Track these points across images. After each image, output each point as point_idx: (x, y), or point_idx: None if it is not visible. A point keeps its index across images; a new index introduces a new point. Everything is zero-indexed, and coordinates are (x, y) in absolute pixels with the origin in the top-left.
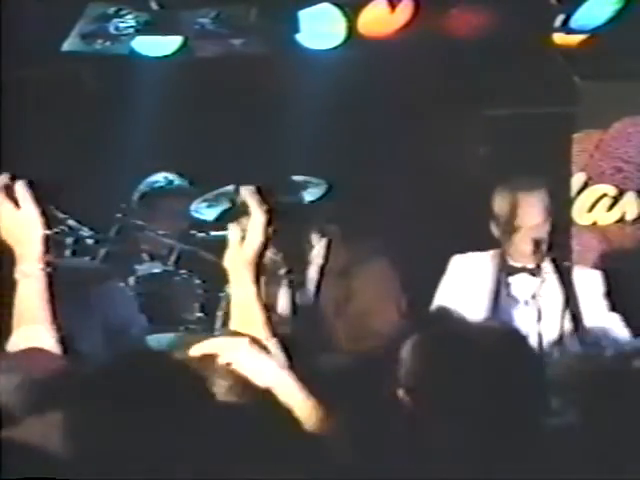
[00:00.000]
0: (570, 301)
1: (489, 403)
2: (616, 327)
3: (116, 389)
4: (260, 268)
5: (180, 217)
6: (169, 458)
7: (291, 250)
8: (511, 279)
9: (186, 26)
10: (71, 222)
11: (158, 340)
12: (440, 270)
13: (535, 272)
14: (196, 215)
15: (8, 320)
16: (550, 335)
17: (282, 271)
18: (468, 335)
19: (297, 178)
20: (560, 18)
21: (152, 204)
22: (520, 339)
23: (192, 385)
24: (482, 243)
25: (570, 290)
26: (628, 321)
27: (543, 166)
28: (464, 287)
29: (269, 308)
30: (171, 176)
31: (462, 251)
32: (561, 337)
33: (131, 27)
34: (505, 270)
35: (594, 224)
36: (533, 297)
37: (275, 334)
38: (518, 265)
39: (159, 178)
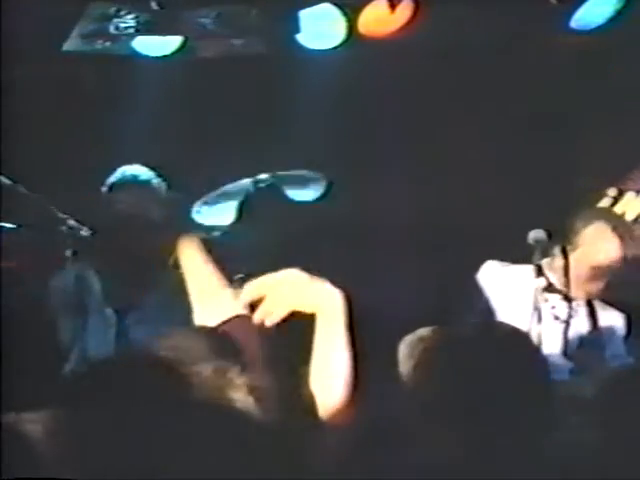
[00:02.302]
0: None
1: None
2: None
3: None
4: None
5: (181, 217)
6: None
7: None
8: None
9: (186, 26)
10: (71, 222)
11: None
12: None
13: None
14: (197, 215)
15: None
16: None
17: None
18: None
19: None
20: (560, 18)
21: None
22: (524, 341)
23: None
24: (485, 240)
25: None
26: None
27: (544, 166)
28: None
29: None
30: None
31: (462, 250)
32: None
33: (131, 27)
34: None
35: None
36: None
37: None
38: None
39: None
